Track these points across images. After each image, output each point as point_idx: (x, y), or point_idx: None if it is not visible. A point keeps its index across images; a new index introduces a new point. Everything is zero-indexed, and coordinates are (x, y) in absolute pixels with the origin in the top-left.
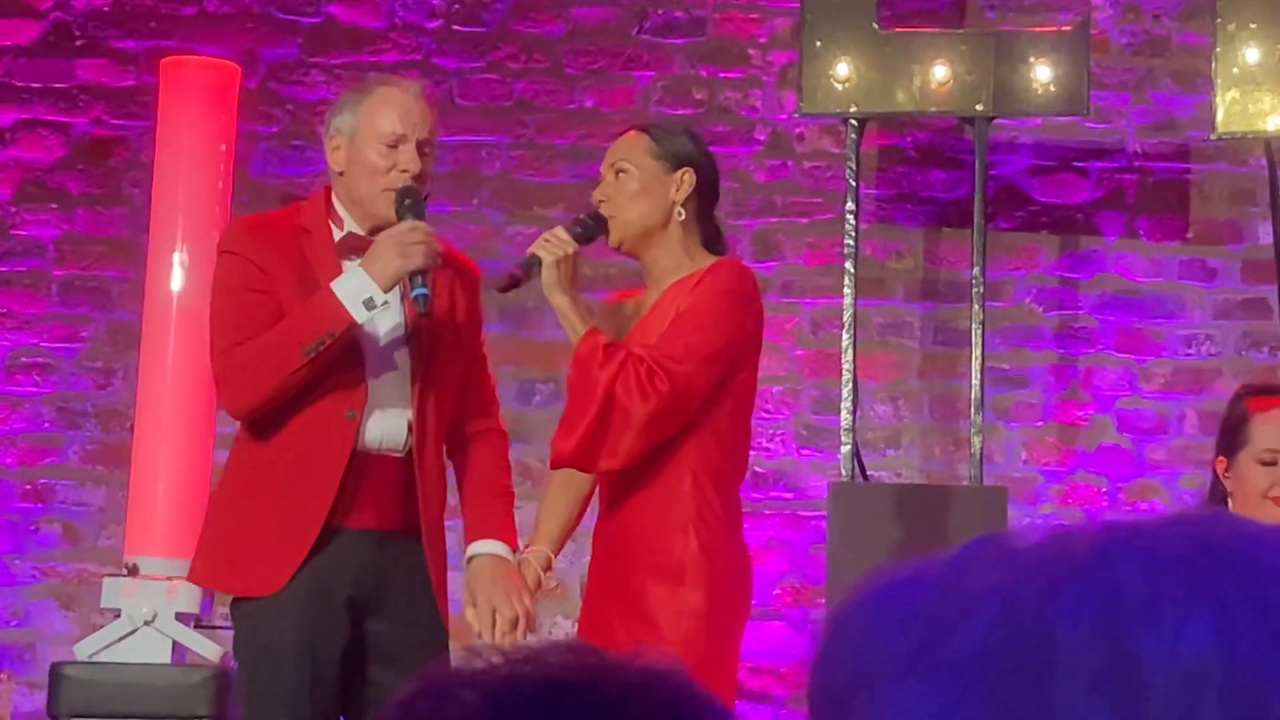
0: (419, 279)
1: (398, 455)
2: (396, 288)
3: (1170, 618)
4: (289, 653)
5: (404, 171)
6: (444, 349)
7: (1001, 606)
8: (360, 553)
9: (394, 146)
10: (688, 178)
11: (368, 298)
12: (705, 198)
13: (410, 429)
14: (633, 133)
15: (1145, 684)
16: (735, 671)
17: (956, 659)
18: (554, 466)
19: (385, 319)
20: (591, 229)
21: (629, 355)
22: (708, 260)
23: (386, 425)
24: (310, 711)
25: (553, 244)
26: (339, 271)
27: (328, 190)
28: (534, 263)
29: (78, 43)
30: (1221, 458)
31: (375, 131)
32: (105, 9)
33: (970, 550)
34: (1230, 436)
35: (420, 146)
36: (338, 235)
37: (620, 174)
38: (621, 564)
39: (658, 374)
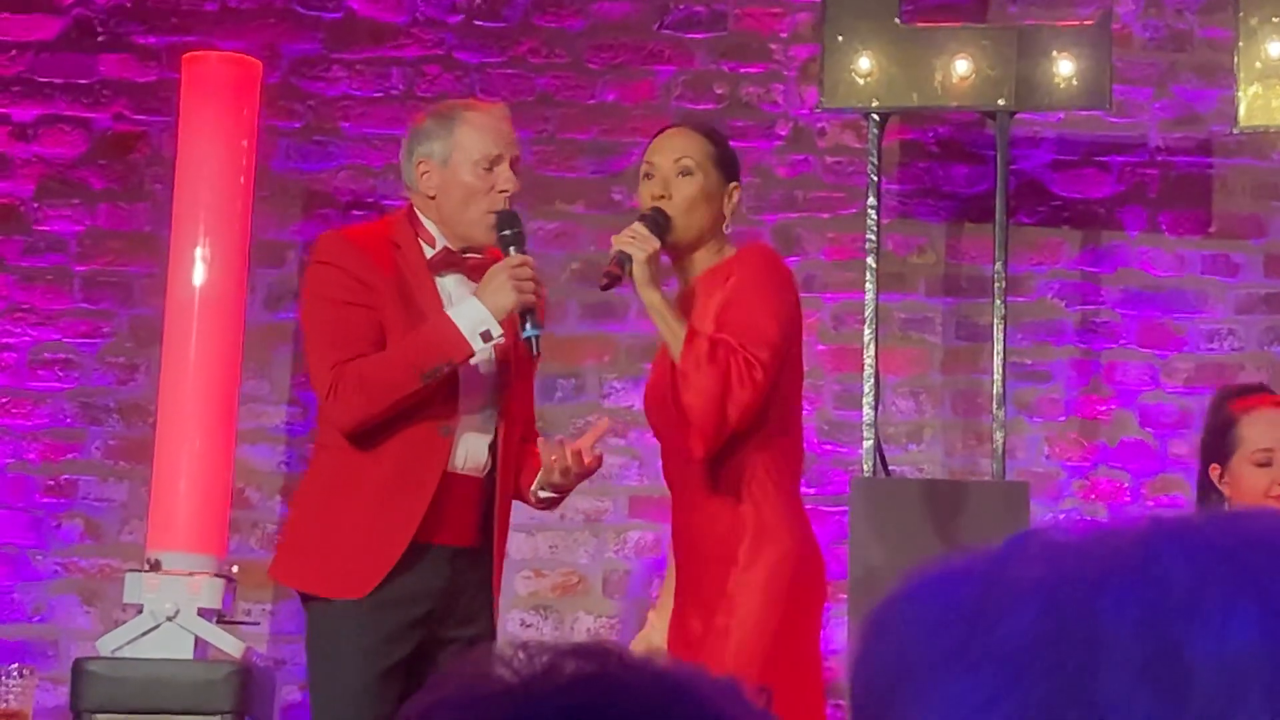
0: (529, 319)
1: (478, 476)
2: None
3: (1216, 611)
4: (357, 658)
5: (503, 191)
6: (518, 377)
7: (1046, 600)
8: (436, 569)
9: (490, 169)
10: (736, 194)
11: (485, 330)
12: None
13: (491, 451)
14: (689, 130)
15: (1190, 676)
16: (806, 659)
17: (1001, 652)
18: (697, 459)
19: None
20: (664, 227)
21: (730, 348)
22: (731, 250)
23: (471, 446)
24: (372, 716)
25: (640, 240)
26: (433, 287)
27: (410, 208)
28: (626, 259)
29: (99, 38)
30: (1215, 465)
31: (471, 155)
32: (127, 5)
33: (1013, 545)
34: (1219, 442)
35: (512, 164)
36: (429, 252)
37: (686, 174)
38: (698, 561)
39: (754, 365)
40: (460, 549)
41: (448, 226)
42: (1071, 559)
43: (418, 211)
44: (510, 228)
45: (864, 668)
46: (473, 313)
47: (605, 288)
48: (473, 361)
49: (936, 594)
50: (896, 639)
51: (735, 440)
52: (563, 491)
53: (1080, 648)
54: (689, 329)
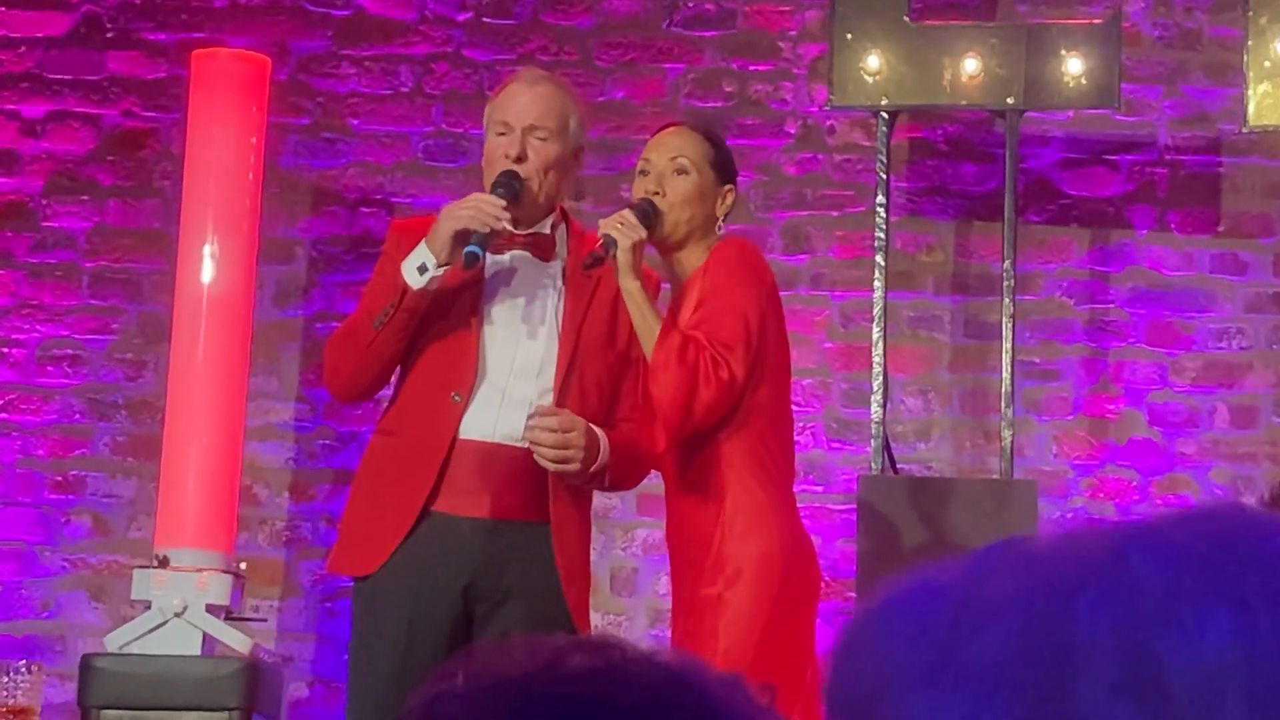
0: (475, 238)
1: (518, 446)
2: (553, 295)
3: (1190, 617)
4: (385, 637)
5: (506, 156)
6: (594, 347)
7: (1020, 613)
8: (471, 542)
9: (503, 135)
10: (731, 197)
11: (421, 264)
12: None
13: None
14: (688, 130)
15: (1168, 684)
16: (799, 657)
17: (977, 667)
18: (658, 452)
19: (511, 313)
20: (652, 218)
21: (699, 345)
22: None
23: (505, 415)
24: (401, 693)
25: (626, 228)
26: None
27: None
28: (611, 243)
29: (109, 35)
30: None
31: (492, 124)
32: (136, 1)
33: (986, 557)
34: None
35: (529, 132)
36: None
37: (681, 173)
38: (677, 563)
39: (720, 364)
40: (504, 522)
41: None
42: (1045, 569)
43: None
44: (503, 177)
45: (842, 682)
46: (415, 252)
47: (588, 267)
48: (497, 329)
49: (912, 606)
50: (874, 654)
51: (707, 437)
52: (566, 469)
53: (1055, 660)
54: (665, 323)
